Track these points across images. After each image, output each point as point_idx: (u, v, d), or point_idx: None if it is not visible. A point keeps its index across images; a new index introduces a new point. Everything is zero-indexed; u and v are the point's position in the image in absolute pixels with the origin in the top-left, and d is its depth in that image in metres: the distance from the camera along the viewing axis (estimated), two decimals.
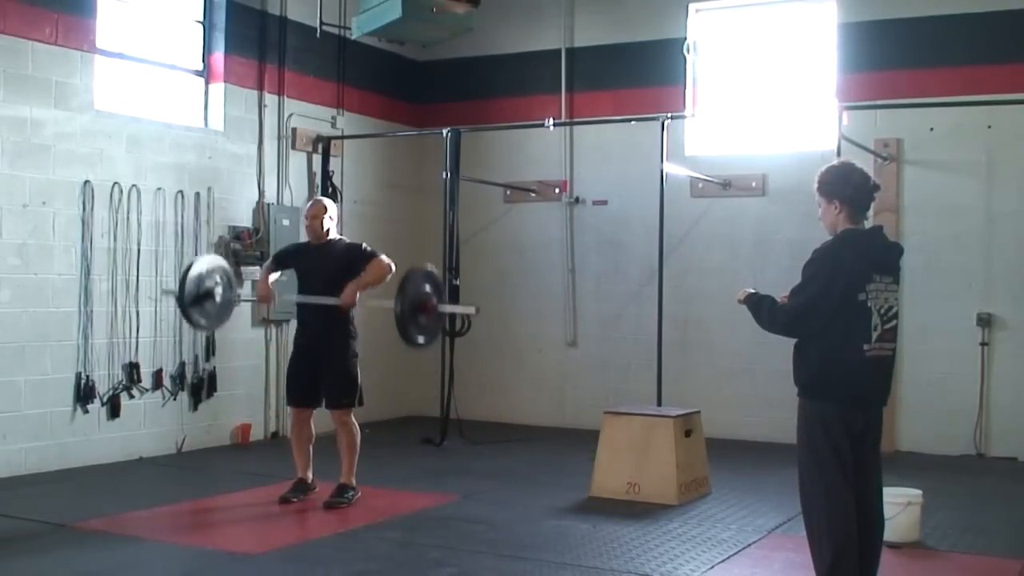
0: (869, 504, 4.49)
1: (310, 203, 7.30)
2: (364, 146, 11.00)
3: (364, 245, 7.06)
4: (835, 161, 4.91)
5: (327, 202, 7.16)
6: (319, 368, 6.89)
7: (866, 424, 4.46)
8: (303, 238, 9.81)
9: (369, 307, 6.88)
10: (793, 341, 4.54)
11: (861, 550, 4.38)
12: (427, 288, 6.63)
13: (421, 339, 6.64)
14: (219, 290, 6.85)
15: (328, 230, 7.03)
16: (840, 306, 4.33)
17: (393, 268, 6.89)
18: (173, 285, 8.77)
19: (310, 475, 7.10)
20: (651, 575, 5.46)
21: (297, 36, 10.11)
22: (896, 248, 4.63)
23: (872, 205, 4.59)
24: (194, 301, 6.74)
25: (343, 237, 7.43)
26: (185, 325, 8.83)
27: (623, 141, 10.54)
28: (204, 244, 9.12)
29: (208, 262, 6.98)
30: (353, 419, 6.96)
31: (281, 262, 7.28)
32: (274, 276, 7.22)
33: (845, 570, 4.34)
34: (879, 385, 4.51)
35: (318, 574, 5.45)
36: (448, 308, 7.18)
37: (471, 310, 7.42)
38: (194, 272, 6.75)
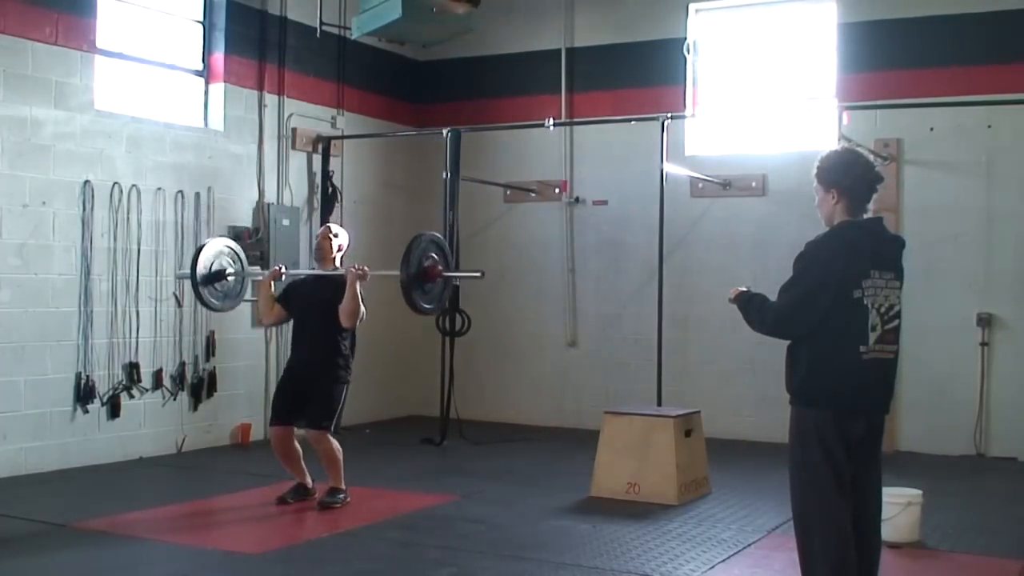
0: (865, 523, 4.16)
1: (323, 227, 7.37)
2: (364, 146, 10.99)
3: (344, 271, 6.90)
4: (838, 146, 4.68)
5: (338, 229, 7.19)
6: (305, 388, 6.85)
7: (865, 431, 4.12)
8: (303, 239, 9.95)
9: (375, 276, 6.91)
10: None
11: (858, 571, 4.08)
12: (432, 254, 6.75)
13: (427, 306, 6.80)
14: (230, 271, 7.21)
15: (335, 257, 7.02)
16: (833, 304, 3.99)
17: (361, 312, 6.79)
18: (174, 287, 8.84)
19: (309, 480, 7.07)
20: (651, 575, 5.46)
21: (297, 36, 10.11)
22: (897, 241, 4.25)
23: (874, 198, 4.19)
24: (206, 281, 7.09)
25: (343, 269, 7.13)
26: (185, 325, 8.93)
27: (623, 141, 10.53)
28: None
29: (218, 244, 7.32)
30: (330, 438, 6.85)
31: (283, 298, 7.16)
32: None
33: None
34: (878, 391, 4.15)
35: (317, 574, 5.46)
36: (453, 274, 7.18)
37: (476, 274, 7.37)
38: (205, 253, 7.09)
